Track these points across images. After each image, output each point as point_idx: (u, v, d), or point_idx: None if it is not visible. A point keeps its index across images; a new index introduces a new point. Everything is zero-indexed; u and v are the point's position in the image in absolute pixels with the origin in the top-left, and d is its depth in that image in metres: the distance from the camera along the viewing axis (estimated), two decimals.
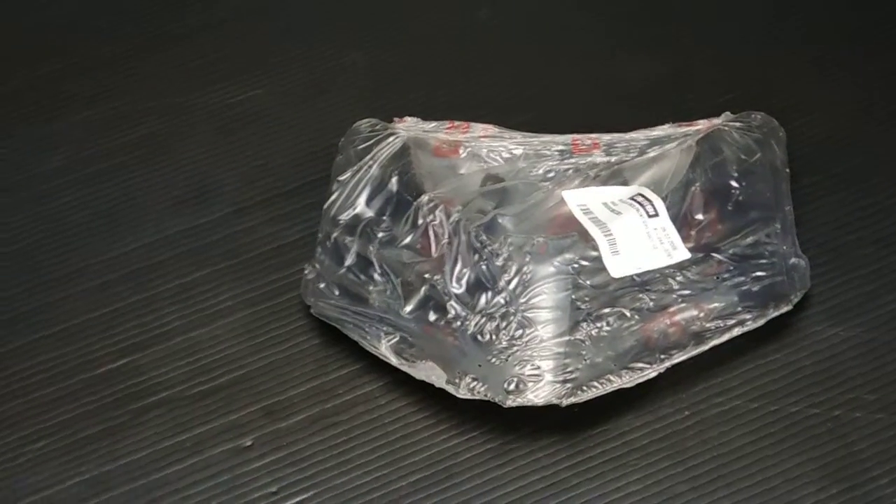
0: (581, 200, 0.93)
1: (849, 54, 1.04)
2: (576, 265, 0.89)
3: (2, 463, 0.88)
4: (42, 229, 1.00)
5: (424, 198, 0.93)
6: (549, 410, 0.85)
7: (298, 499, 0.86)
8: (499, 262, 0.89)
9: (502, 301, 0.88)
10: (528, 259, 0.89)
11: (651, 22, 1.09)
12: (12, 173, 1.03)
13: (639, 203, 0.92)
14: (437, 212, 0.92)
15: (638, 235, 0.90)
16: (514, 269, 0.89)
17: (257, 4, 1.12)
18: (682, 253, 0.90)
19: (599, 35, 1.08)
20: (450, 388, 0.86)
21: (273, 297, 0.94)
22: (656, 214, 0.92)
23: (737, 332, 0.88)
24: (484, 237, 0.90)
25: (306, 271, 0.93)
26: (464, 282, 0.90)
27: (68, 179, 1.02)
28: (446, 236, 0.91)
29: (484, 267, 0.89)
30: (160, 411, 0.90)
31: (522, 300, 0.88)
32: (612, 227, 0.91)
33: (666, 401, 0.87)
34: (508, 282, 0.89)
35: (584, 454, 0.86)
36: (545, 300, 0.88)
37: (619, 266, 0.89)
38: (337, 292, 0.91)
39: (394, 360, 0.88)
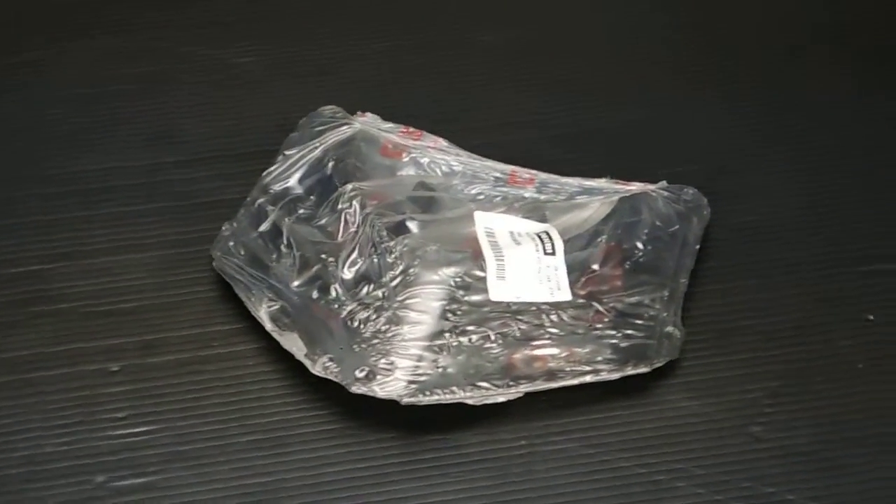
0: (489, 224, 0.96)
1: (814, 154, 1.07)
2: (458, 279, 0.93)
3: None
4: (23, 137, 1.07)
5: (349, 186, 0.98)
6: (395, 408, 0.89)
7: (142, 429, 0.90)
8: (389, 259, 0.93)
9: (380, 295, 0.92)
10: (416, 262, 0.93)
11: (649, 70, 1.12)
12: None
13: (541, 239, 0.95)
14: (354, 201, 0.96)
15: (528, 267, 0.94)
16: (400, 268, 0.93)
17: None
18: (565, 295, 0.93)
19: (591, 71, 1.12)
20: (307, 363, 0.91)
21: (190, 244, 1.00)
22: (553, 253, 0.95)
23: (589, 378, 0.90)
24: (385, 234, 0.95)
25: (224, 227, 0.98)
26: (354, 270, 0.94)
27: (63, 95, 1.10)
28: (355, 226, 0.96)
29: (375, 260, 0.94)
30: (51, 320, 0.96)
31: (399, 298, 0.92)
32: (507, 254, 0.94)
33: (507, 426, 0.90)
34: (392, 279, 0.93)
35: (414, 455, 0.89)
36: (418, 303, 0.92)
37: (500, 290, 0.93)
38: (242, 252, 0.96)
39: (268, 325, 0.93)
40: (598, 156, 1.05)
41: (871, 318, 0.96)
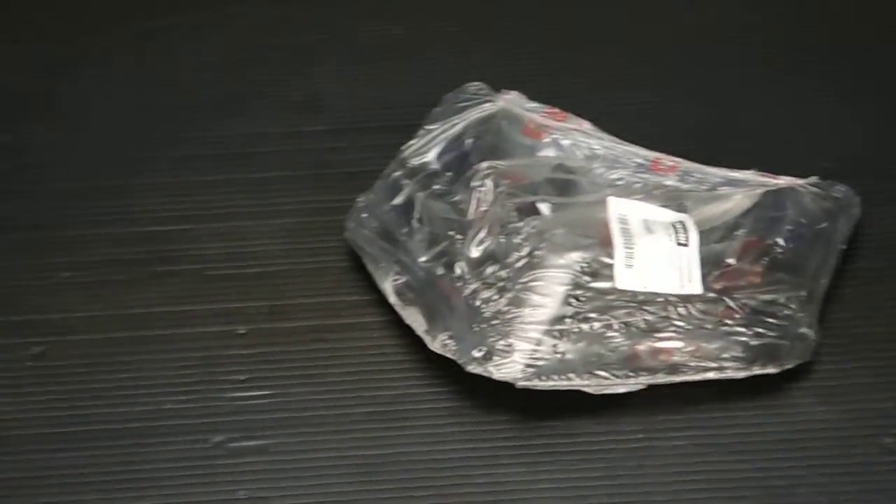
0: (623, 210, 0.94)
1: None
2: (585, 265, 0.91)
3: (34, 281, 0.96)
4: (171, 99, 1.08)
5: (484, 164, 0.96)
6: (512, 390, 0.87)
7: (261, 392, 0.90)
8: (516, 240, 0.92)
9: (504, 275, 0.91)
10: (543, 245, 0.91)
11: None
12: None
13: (675, 229, 0.93)
14: (487, 179, 0.95)
15: (659, 257, 0.91)
16: (526, 249, 0.91)
17: None
18: (696, 287, 0.91)
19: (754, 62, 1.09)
20: (426, 339, 0.90)
21: (325, 213, 0.99)
22: (686, 244, 0.92)
23: (713, 375, 0.88)
24: (515, 214, 0.93)
25: (359, 199, 0.98)
26: (481, 248, 0.92)
27: (216, 59, 1.10)
28: (486, 204, 0.94)
29: (503, 240, 0.92)
30: (177, 280, 0.96)
31: (522, 280, 0.90)
32: (637, 242, 0.92)
33: (625, 418, 0.88)
34: (517, 260, 0.91)
35: (526, 440, 0.88)
36: (542, 287, 0.90)
37: (627, 279, 0.90)
38: (375, 224, 0.96)
39: (391, 298, 0.92)
40: (747, 148, 1.02)
41: None
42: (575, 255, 0.91)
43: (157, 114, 1.07)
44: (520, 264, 0.91)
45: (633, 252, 0.92)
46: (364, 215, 0.96)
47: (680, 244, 0.92)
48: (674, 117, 1.05)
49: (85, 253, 0.98)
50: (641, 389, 0.88)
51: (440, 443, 0.88)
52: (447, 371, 0.90)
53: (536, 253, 0.91)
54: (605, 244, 0.92)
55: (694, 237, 0.93)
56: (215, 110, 1.07)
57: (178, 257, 0.98)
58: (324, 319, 0.94)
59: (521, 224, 0.92)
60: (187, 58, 1.11)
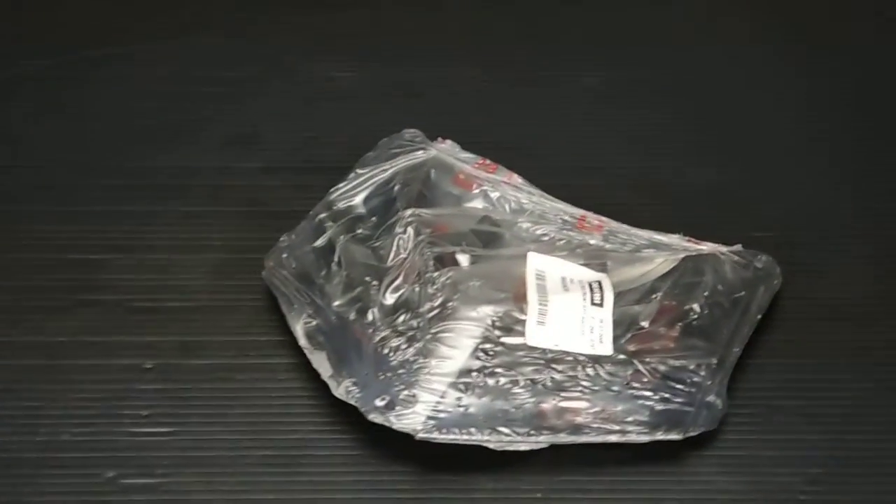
0: (542, 266, 0.93)
1: None
2: (497, 319, 0.90)
3: None
4: (104, 127, 1.08)
5: (408, 211, 0.96)
6: (415, 442, 0.87)
7: (161, 429, 0.90)
8: (430, 290, 0.91)
9: (415, 325, 0.90)
10: (456, 296, 0.91)
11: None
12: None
13: (591, 288, 0.92)
14: (409, 227, 0.95)
15: (572, 316, 0.91)
16: (440, 300, 0.91)
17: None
18: (606, 349, 0.90)
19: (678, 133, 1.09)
20: (331, 384, 0.89)
21: (249, 251, 0.98)
22: (600, 305, 0.92)
23: (615, 438, 0.87)
24: (432, 263, 0.92)
25: (282, 238, 0.97)
26: (395, 296, 0.92)
27: (151, 90, 1.10)
28: (406, 252, 0.94)
29: (417, 289, 0.92)
30: (96, 310, 0.96)
31: (432, 330, 0.90)
32: (551, 299, 0.91)
33: (526, 476, 0.87)
34: (430, 310, 0.90)
35: (424, 492, 0.87)
36: (451, 338, 0.89)
37: (538, 336, 0.90)
38: (294, 265, 0.95)
39: (301, 341, 0.92)
40: (676, 212, 1.01)
41: None
42: (488, 309, 0.91)
43: (89, 142, 1.06)
44: (431, 315, 0.90)
45: (547, 309, 0.91)
46: (284, 255, 0.96)
47: (594, 304, 0.92)
48: (616, 173, 1.05)
49: (8, 277, 0.98)
50: (544, 448, 0.88)
51: (336, 491, 0.87)
52: (350, 419, 0.89)
53: (449, 304, 0.91)
54: (520, 299, 0.92)
55: (609, 297, 0.92)
56: (149, 142, 1.06)
57: (101, 287, 0.97)
58: (233, 359, 0.94)
59: (436, 274, 0.92)
60: (122, 88, 1.10)
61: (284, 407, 0.91)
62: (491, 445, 0.87)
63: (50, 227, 1.01)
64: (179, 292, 0.97)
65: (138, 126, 1.07)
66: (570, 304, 0.91)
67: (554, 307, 0.91)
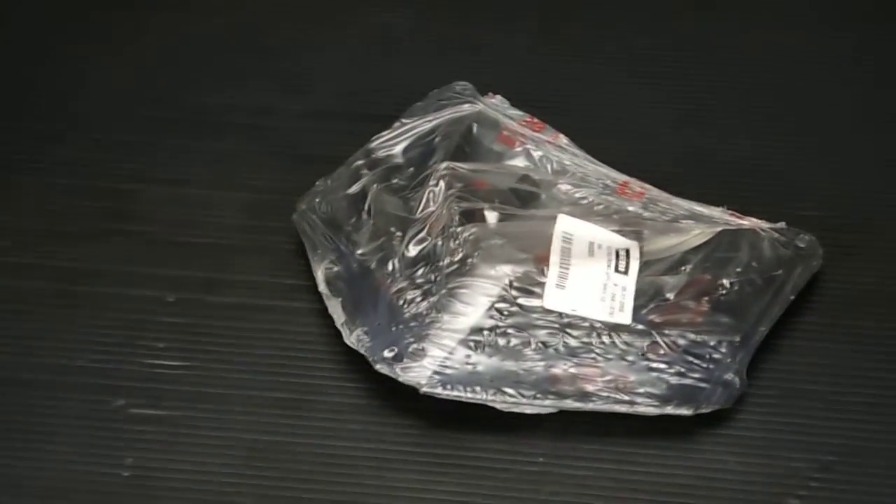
0: (571, 229, 0.91)
1: None
2: (516, 279, 0.88)
3: None
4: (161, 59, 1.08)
5: (443, 164, 0.94)
6: (422, 396, 0.86)
7: (175, 363, 0.90)
8: (452, 244, 0.90)
9: (433, 278, 0.89)
10: (477, 253, 0.89)
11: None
12: None
13: (616, 255, 0.90)
14: (442, 180, 0.93)
15: (594, 282, 0.89)
16: (459, 255, 0.89)
17: None
18: (625, 318, 0.88)
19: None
20: (343, 331, 0.88)
21: (286, 193, 0.98)
22: (625, 273, 0.89)
23: (623, 409, 0.85)
24: (458, 218, 0.91)
25: (318, 183, 0.97)
26: (418, 248, 0.91)
27: (211, 25, 1.10)
28: (434, 205, 0.92)
29: (440, 242, 0.90)
30: (123, 239, 0.96)
31: (449, 286, 0.88)
32: (574, 263, 0.89)
33: (530, 440, 0.86)
34: (449, 265, 0.89)
35: (423, 447, 0.86)
36: (466, 294, 0.88)
37: (556, 299, 0.88)
38: (325, 210, 0.94)
39: (320, 286, 0.91)
40: (722, 185, 0.98)
41: None
42: (507, 268, 0.89)
43: (135, 74, 1.06)
44: (449, 270, 0.89)
45: (568, 272, 0.89)
46: (317, 200, 0.95)
47: (618, 271, 0.90)
48: (664, 141, 1.03)
49: (39, 200, 0.98)
50: (554, 414, 0.86)
51: (338, 438, 0.86)
52: (361, 368, 0.88)
53: (469, 260, 0.89)
54: (542, 261, 0.90)
55: (635, 266, 0.90)
56: (202, 76, 1.06)
57: (130, 217, 0.97)
58: (254, 299, 0.93)
59: (460, 229, 0.91)
60: (183, 21, 1.10)
61: (299, 351, 0.90)
62: (496, 406, 0.86)
63: (85, 154, 1.01)
64: (209, 229, 0.97)
65: (187, 64, 1.07)
66: (593, 270, 0.89)
67: (576, 271, 0.89)
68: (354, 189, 0.95)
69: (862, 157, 1.01)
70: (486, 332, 0.87)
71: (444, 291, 0.88)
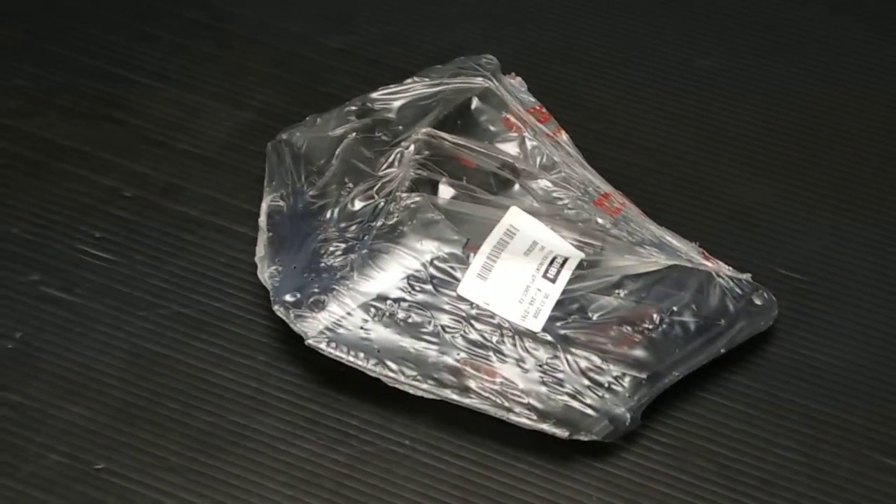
0: (518, 223, 0.89)
1: None
2: (438, 259, 0.86)
3: None
4: None
5: (423, 130, 0.92)
6: (321, 357, 0.84)
7: (105, 255, 0.90)
8: (391, 208, 0.88)
9: (361, 236, 0.87)
10: (410, 223, 0.87)
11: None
12: None
13: (551, 262, 0.87)
14: (414, 144, 0.91)
15: (517, 281, 0.86)
16: (393, 220, 0.87)
17: None
18: (537, 325, 0.85)
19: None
20: (259, 265, 0.88)
21: (284, 122, 0.96)
22: (552, 281, 0.86)
23: (498, 413, 0.82)
24: (408, 184, 0.89)
25: (308, 118, 0.96)
26: (361, 204, 0.89)
27: None
28: (395, 166, 0.91)
29: (381, 202, 0.88)
30: (112, 127, 0.97)
31: (372, 247, 0.86)
32: (503, 258, 0.86)
33: (404, 420, 0.84)
34: (381, 227, 0.87)
35: (301, 400, 0.85)
36: (385, 260, 0.86)
37: (472, 288, 0.85)
38: (300, 145, 0.94)
39: (261, 217, 0.91)
40: (715, 222, 0.94)
41: None
42: (433, 245, 0.87)
43: None
44: (378, 232, 0.87)
45: (494, 265, 0.86)
46: (297, 133, 0.95)
47: (546, 277, 0.86)
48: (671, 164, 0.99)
49: (43, 68, 1.00)
50: (445, 403, 0.83)
51: (222, 368, 0.86)
52: (264, 307, 0.87)
53: (401, 228, 0.87)
54: (474, 248, 0.87)
55: (565, 276, 0.86)
56: None
57: (127, 107, 0.98)
58: (205, 214, 0.93)
59: (404, 195, 0.89)
60: None
61: (222, 275, 0.90)
62: (379, 377, 0.84)
63: (106, 36, 1.02)
64: (195, 138, 0.97)
65: None
66: (521, 269, 0.86)
67: (502, 266, 0.86)
68: (337, 133, 0.94)
69: (870, 236, 0.95)
70: (389, 302, 0.85)
71: (364, 251, 0.87)
